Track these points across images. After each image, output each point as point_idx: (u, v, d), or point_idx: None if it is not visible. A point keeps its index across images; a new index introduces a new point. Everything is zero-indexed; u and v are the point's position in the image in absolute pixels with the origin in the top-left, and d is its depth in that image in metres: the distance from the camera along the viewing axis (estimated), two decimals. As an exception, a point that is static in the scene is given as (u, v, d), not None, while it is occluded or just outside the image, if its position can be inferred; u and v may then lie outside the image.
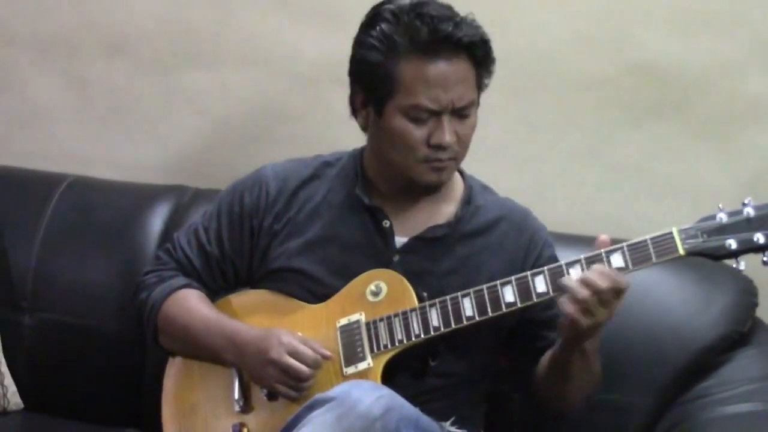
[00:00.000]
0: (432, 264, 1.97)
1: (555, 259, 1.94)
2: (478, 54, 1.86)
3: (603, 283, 1.72)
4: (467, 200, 2.01)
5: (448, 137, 1.85)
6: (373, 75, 1.87)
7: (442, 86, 1.83)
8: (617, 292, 1.74)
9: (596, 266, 1.75)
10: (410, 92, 1.84)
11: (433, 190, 1.96)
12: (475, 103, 1.89)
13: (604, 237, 1.80)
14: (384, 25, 1.85)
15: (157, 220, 2.49)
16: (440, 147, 1.86)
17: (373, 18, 1.89)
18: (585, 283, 1.73)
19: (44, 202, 2.55)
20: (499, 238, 2.01)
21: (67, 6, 2.79)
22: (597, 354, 1.90)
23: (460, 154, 1.92)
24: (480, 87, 1.90)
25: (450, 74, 1.83)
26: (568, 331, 1.79)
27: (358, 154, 2.04)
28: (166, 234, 2.42)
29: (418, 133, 1.86)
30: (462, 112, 1.86)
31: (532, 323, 1.97)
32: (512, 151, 2.52)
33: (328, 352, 1.87)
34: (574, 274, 1.77)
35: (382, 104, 1.88)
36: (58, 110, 2.84)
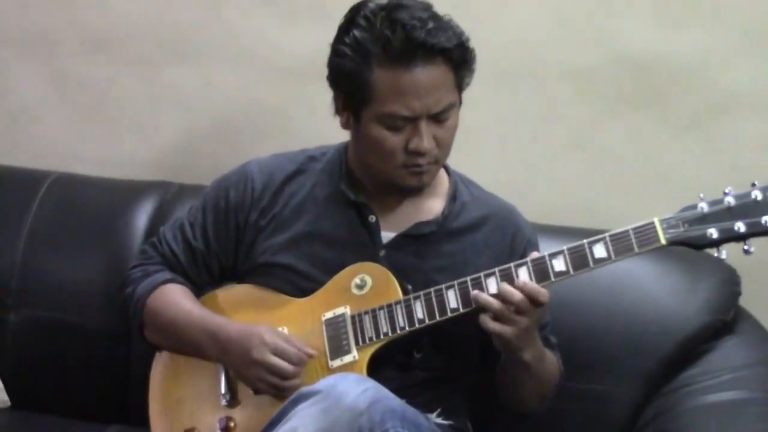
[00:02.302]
0: (418, 261, 1.97)
1: None
2: (455, 58, 1.83)
3: (516, 296, 1.77)
4: (453, 197, 2.02)
5: (425, 143, 1.84)
6: (348, 83, 1.87)
7: (416, 94, 1.81)
8: (534, 302, 1.78)
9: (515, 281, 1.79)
10: (384, 101, 1.83)
11: (415, 192, 1.96)
12: (454, 105, 1.87)
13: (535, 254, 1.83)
14: (357, 32, 1.83)
15: (141, 216, 2.49)
16: (418, 153, 1.86)
17: (349, 22, 1.87)
18: (499, 296, 1.78)
19: (29, 198, 2.54)
20: (485, 236, 2.01)
21: (50, 2, 2.77)
22: (543, 360, 1.92)
23: (442, 157, 1.91)
24: (461, 87, 1.89)
25: (424, 81, 1.81)
26: (497, 344, 1.83)
27: (343, 149, 2.04)
28: (151, 230, 2.42)
29: (394, 140, 1.85)
30: (439, 117, 1.84)
31: None
32: (495, 142, 2.53)
33: (312, 351, 1.87)
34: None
35: (358, 111, 1.87)
36: (41, 107, 2.84)
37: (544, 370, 1.95)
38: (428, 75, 1.81)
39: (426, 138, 1.84)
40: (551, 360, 1.99)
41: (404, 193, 1.96)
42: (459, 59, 1.84)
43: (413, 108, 1.82)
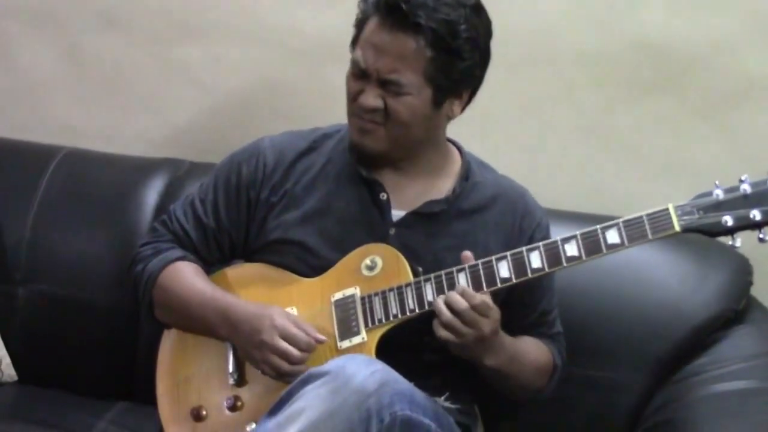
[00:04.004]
0: (428, 239, 1.97)
1: None
2: (431, 40, 1.81)
3: (461, 304, 1.78)
4: (465, 176, 2.01)
5: (364, 99, 1.87)
6: (356, 25, 1.92)
7: (374, 50, 1.84)
8: (478, 310, 1.79)
9: (458, 289, 1.81)
10: (358, 45, 1.88)
11: (360, 152, 1.96)
12: (410, 87, 1.84)
13: (467, 253, 1.85)
14: None
15: (152, 193, 2.48)
16: (359, 106, 1.88)
17: None
18: (448, 305, 1.80)
19: (39, 174, 2.54)
20: (496, 216, 2.00)
21: (62, -23, 2.77)
22: (515, 361, 1.93)
23: (390, 128, 1.89)
24: (435, 76, 1.85)
25: (386, 43, 1.83)
26: (453, 350, 1.84)
27: None
28: (161, 207, 2.42)
29: (353, 85, 1.90)
30: (390, 87, 1.85)
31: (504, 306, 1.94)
32: (509, 127, 2.52)
33: (322, 337, 1.86)
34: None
35: (352, 52, 1.92)
36: (53, 82, 2.83)
37: (519, 371, 1.95)
38: (393, 40, 1.83)
39: (369, 96, 1.87)
40: (533, 358, 1.99)
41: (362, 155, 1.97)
42: (436, 44, 1.82)
43: (367, 62, 1.85)
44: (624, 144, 2.47)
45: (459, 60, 1.85)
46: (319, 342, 1.85)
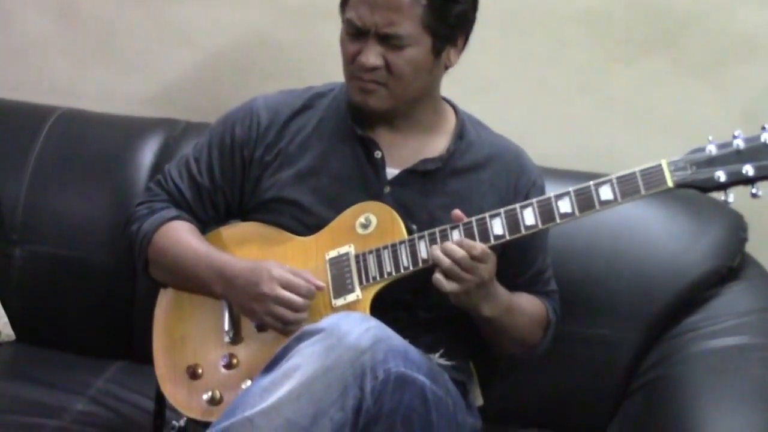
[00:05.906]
0: (423, 198, 1.97)
1: None
2: None
3: (458, 252, 1.78)
4: (460, 135, 2.00)
5: (364, 58, 1.86)
6: None
7: (368, 6, 1.83)
8: (475, 258, 1.79)
9: (456, 240, 1.82)
10: (349, 5, 1.87)
11: (362, 111, 1.95)
12: (410, 38, 1.84)
13: (457, 212, 1.84)
14: None
15: (147, 153, 2.48)
16: (360, 66, 1.87)
17: None
18: (445, 252, 1.80)
19: (34, 134, 2.53)
20: (490, 176, 2.00)
21: (55, -65, 2.75)
22: (511, 313, 1.92)
23: (393, 85, 1.89)
24: (433, 27, 1.85)
25: None
26: (453, 301, 1.84)
27: None
28: (157, 167, 2.42)
29: (349, 47, 1.89)
30: (390, 41, 1.84)
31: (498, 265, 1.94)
32: (503, 85, 2.51)
33: (320, 282, 1.87)
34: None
35: (342, 14, 1.91)
36: (48, 42, 2.81)
37: (514, 323, 1.95)
38: None
39: (369, 54, 1.86)
40: (528, 311, 2.00)
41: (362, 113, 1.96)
42: None
43: (363, 19, 1.84)
44: (619, 102, 2.46)
45: (453, 4, 1.85)
46: (318, 288, 1.86)
